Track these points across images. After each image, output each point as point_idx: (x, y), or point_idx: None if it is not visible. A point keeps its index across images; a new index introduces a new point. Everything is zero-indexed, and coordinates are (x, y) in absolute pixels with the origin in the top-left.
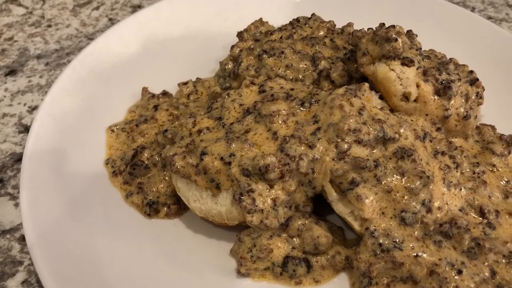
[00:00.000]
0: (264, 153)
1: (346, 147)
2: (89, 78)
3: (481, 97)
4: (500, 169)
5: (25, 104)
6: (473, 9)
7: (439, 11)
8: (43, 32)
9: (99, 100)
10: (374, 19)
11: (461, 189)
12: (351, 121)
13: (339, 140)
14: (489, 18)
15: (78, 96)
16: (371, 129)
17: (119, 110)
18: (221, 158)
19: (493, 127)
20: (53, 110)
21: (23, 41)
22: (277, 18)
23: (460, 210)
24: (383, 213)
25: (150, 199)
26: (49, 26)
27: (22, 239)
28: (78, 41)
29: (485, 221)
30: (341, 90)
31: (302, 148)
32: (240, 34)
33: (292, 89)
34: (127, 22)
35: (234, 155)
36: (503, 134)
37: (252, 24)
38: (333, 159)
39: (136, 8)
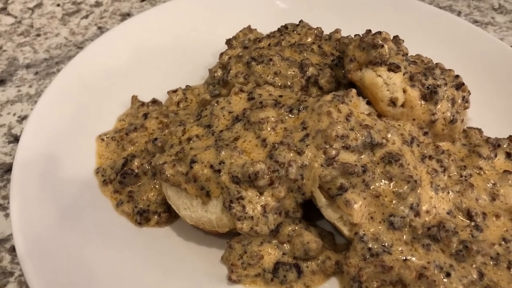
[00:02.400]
0: (254, 160)
1: (334, 153)
2: (78, 87)
3: (467, 101)
4: (487, 171)
5: (14, 114)
6: (459, 13)
7: (425, 16)
8: (32, 42)
9: (88, 109)
10: (361, 25)
11: (448, 193)
12: (338, 127)
13: (327, 146)
14: (475, 22)
15: (67, 105)
16: (358, 135)
17: (109, 119)
18: (211, 166)
19: (479, 130)
20: (43, 119)
21: (12, 51)
22: (266, 25)
23: (448, 213)
24: (372, 217)
25: (141, 207)
26: (38, 35)
27: (13, 249)
28: (67, 50)
29: (472, 223)
30: (328, 97)
31: (291, 154)
32: (229, 42)
33: (280, 96)
34: (116, 31)
35: (223, 163)
36: (489, 137)
37: (240, 31)
38: (321, 165)
39: (126, 16)
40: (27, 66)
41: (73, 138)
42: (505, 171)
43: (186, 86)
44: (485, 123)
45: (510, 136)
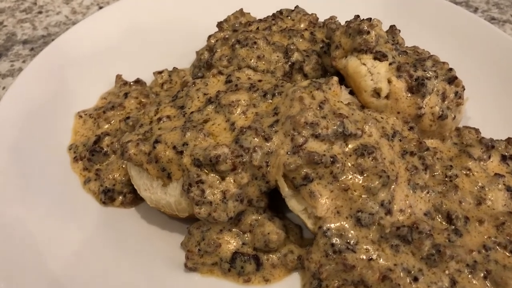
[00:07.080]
0: (219, 143)
1: (301, 140)
2: (64, 63)
3: (460, 97)
4: (475, 173)
5: (4, 88)
6: (476, 10)
7: (433, 8)
8: (33, 18)
9: (73, 86)
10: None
11: (428, 192)
12: (309, 114)
13: (295, 134)
14: (492, 19)
15: (50, 81)
16: (330, 123)
17: (93, 96)
18: (174, 147)
19: (476, 130)
20: (22, 92)
21: (12, 27)
22: (263, 10)
23: (425, 214)
24: (338, 212)
25: (106, 186)
26: (40, 12)
27: None
28: (65, 28)
29: (452, 227)
30: (305, 83)
31: (257, 140)
32: (219, 24)
33: (260, 81)
34: (108, 10)
35: (187, 145)
36: (484, 137)
37: (232, 14)
38: (287, 153)
39: None
40: (24, 42)
41: (52, 113)
42: (496, 174)
43: (173, 68)
44: (485, 124)
45: (508, 138)
